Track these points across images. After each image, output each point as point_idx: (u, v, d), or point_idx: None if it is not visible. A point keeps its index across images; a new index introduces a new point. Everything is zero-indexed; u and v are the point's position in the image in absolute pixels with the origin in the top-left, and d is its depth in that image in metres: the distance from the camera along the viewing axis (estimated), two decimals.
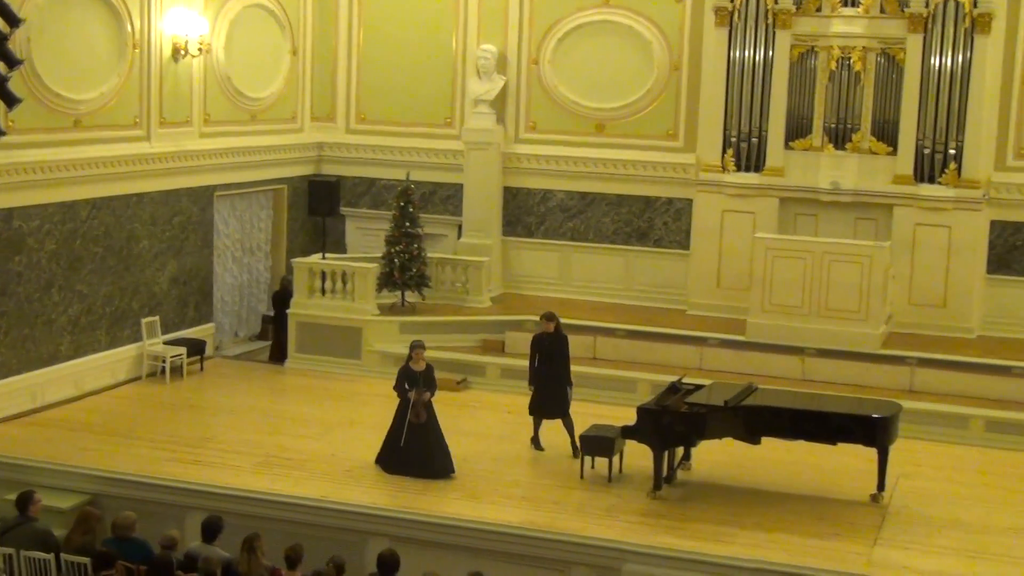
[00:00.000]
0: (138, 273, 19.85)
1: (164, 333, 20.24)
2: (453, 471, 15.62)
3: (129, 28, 19.27)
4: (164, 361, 19.81)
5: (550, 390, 16.63)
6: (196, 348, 20.51)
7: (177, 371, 19.95)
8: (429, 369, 15.86)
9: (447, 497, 14.96)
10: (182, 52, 20.26)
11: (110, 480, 15.21)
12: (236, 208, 22.33)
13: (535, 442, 16.80)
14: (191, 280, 21.03)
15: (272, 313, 22.13)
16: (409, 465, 15.54)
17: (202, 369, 20.51)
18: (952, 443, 17.82)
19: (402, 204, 21.39)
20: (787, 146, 21.47)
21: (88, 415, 17.87)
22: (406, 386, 15.66)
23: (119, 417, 17.82)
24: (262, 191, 22.96)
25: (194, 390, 19.48)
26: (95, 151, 18.71)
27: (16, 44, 16.09)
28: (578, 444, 16.02)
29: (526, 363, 19.44)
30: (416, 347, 15.95)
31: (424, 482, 15.34)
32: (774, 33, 21.25)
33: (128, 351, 19.76)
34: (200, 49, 20.49)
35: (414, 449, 15.52)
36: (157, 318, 20.16)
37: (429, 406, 15.69)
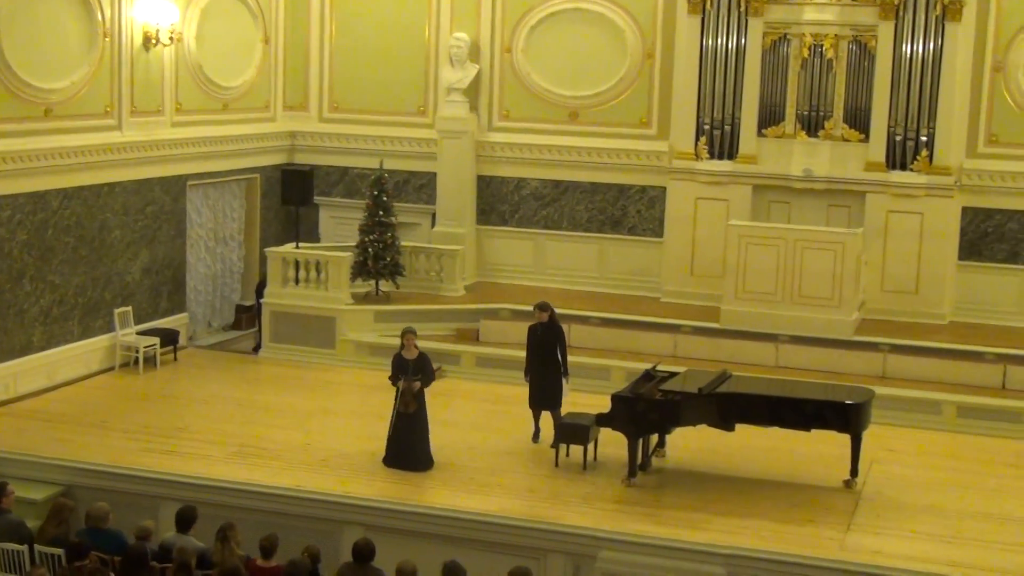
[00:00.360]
0: (110, 263, 19.76)
1: (137, 323, 20.14)
2: (430, 466, 15.55)
3: (100, 17, 19.15)
4: (137, 351, 19.72)
5: (545, 381, 16.48)
6: (169, 338, 20.43)
7: (150, 361, 19.87)
8: (421, 357, 15.60)
9: (422, 486, 14.94)
10: (153, 41, 20.14)
11: (83, 471, 15.14)
12: (209, 197, 22.23)
13: (534, 436, 16.65)
14: (164, 270, 20.95)
15: (253, 303, 22.07)
16: (399, 458, 15.46)
17: (175, 359, 20.43)
18: (925, 429, 17.91)
19: (376, 193, 21.35)
20: (760, 133, 21.50)
21: (61, 406, 17.79)
22: (400, 377, 15.48)
23: (92, 408, 17.74)
24: (235, 180, 22.86)
25: (167, 380, 19.41)
26: (66, 140, 18.59)
27: None
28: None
29: (501, 352, 19.50)
30: (407, 333, 15.73)
31: (399, 471, 15.31)
32: (746, 21, 21.28)
33: (101, 342, 19.67)
34: (171, 38, 20.37)
35: (403, 440, 15.44)
36: (130, 308, 20.07)
37: (421, 396, 15.54)
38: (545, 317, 16.61)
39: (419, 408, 15.51)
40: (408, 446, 15.43)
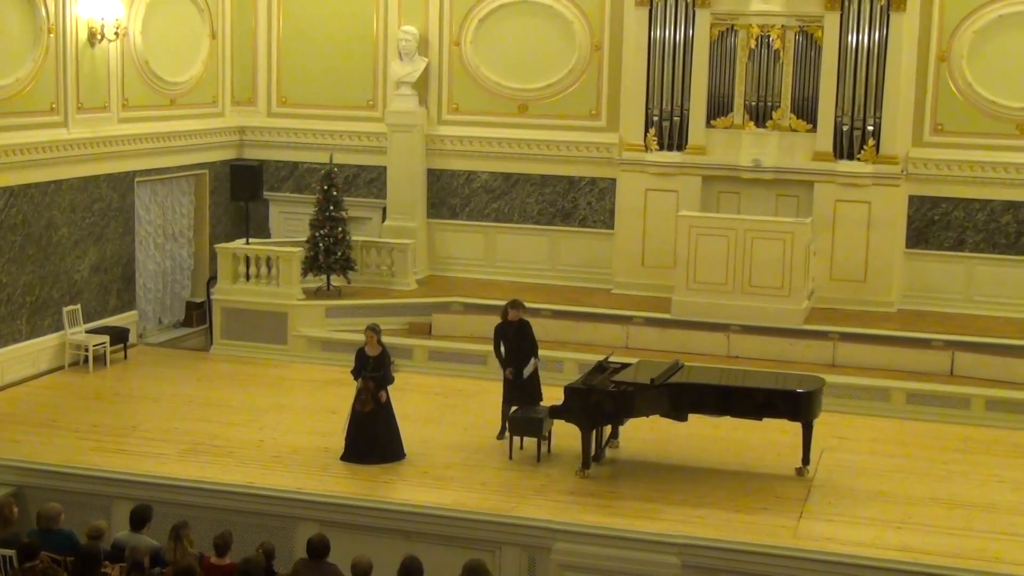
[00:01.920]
0: (58, 261, 19.58)
1: (86, 322, 19.98)
2: (399, 458, 15.50)
3: (44, 12, 18.95)
4: (87, 350, 19.56)
5: (524, 380, 16.26)
6: (119, 336, 20.27)
7: (100, 360, 19.72)
8: (383, 355, 15.51)
9: (377, 480, 14.92)
10: (98, 36, 19.96)
11: (34, 471, 15.01)
12: (157, 194, 22.07)
13: (501, 432, 16.36)
14: (112, 268, 20.78)
15: (203, 299, 21.93)
16: (359, 454, 15.42)
17: (126, 357, 20.29)
18: (874, 416, 18.05)
19: (326, 188, 21.28)
20: (709, 124, 21.57)
21: (10, 406, 17.61)
22: (363, 373, 15.40)
23: (42, 407, 17.58)
24: (183, 176, 22.70)
25: (118, 378, 19.27)
26: (11, 138, 18.39)
27: None
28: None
29: (454, 345, 19.50)
30: (368, 330, 15.61)
31: (353, 466, 15.28)
32: (694, 12, 21.34)
33: (50, 340, 19.49)
34: (116, 33, 20.20)
35: (364, 436, 15.38)
36: (78, 306, 19.90)
37: (384, 392, 15.42)
38: (517, 316, 16.35)
39: (384, 405, 15.42)
40: (369, 442, 15.38)
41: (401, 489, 14.67)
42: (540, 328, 19.96)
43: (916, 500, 14.68)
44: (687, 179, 21.63)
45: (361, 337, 15.79)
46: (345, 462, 15.45)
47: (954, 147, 21.10)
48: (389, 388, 15.56)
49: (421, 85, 22.98)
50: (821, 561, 12.99)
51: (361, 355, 15.54)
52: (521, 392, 16.24)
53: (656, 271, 21.52)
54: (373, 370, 15.38)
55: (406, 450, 15.66)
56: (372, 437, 15.39)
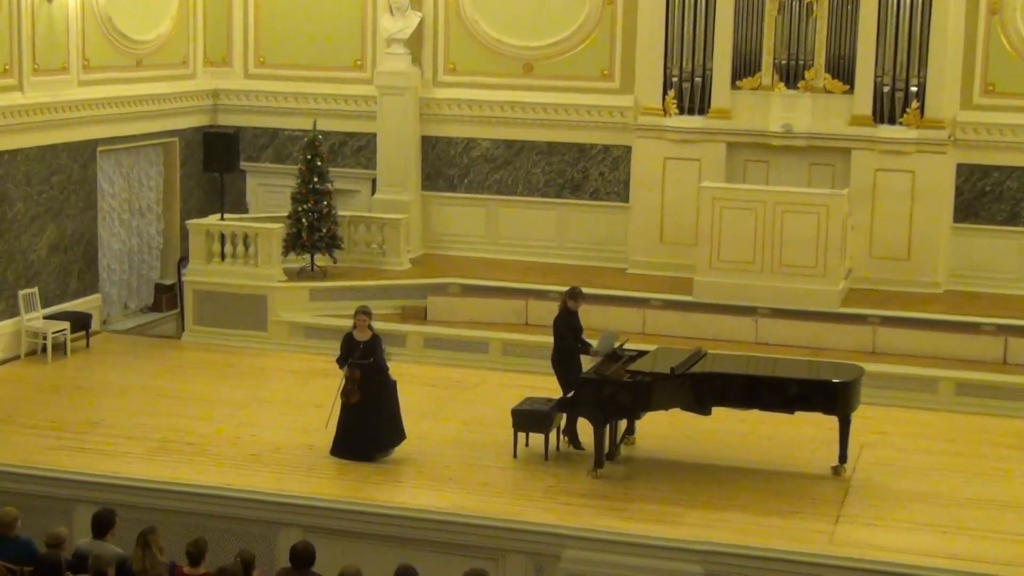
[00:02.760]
0: (13, 240, 19.57)
1: (44, 307, 20.00)
2: (398, 442, 15.55)
3: None
4: (45, 338, 19.57)
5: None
6: (81, 322, 20.28)
7: (60, 348, 19.73)
8: (374, 340, 15.46)
9: (367, 481, 14.92)
10: None
11: None
12: (122, 165, 22.05)
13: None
14: (73, 247, 20.78)
15: (174, 282, 21.95)
16: (349, 449, 15.41)
17: (88, 345, 20.29)
18: (919, 408, 18.03)
19: (309, 157, 21.26)
20: (734, 86, 21.53)
21: None
22: (349, 360, 15.35)
23: None
24: (151, 145, 22.69)
25: (79, 369, 19.29)
26: None
27: None
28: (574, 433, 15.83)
29: (452, 331, 19.51)
30: (359, 313, 15.57)
31: (340, 465, 15.28)
32: None
33: (4, 327, 19.52)
34: None
35: (355, 429, 15.36)
36: (36, 290, 19.91)
37: (377, 384, 15.33)
38: (577, 305, 16.05)
39: (374, 397, 15.37)
40: (361, 436, 15.34)
41: (394, 491, 14.66)
42: (547, 312, 19.93)
43: (966, 502, 14.66)
44: (710, 146, 21.60)
45: (349, 323, 15.78)
46: (334, 456, 15.44)
47: (1007, 110, 21.04)
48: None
49: (414, 43, 22.94)
50: (860, 570, 12.94)
51: (349, 341, 15.50)
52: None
53: (676, 249, 21.51)
54: (362, 357, 15.35)
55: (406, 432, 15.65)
56: (365, 430, 15.34)
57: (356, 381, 15.34)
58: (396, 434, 15.64)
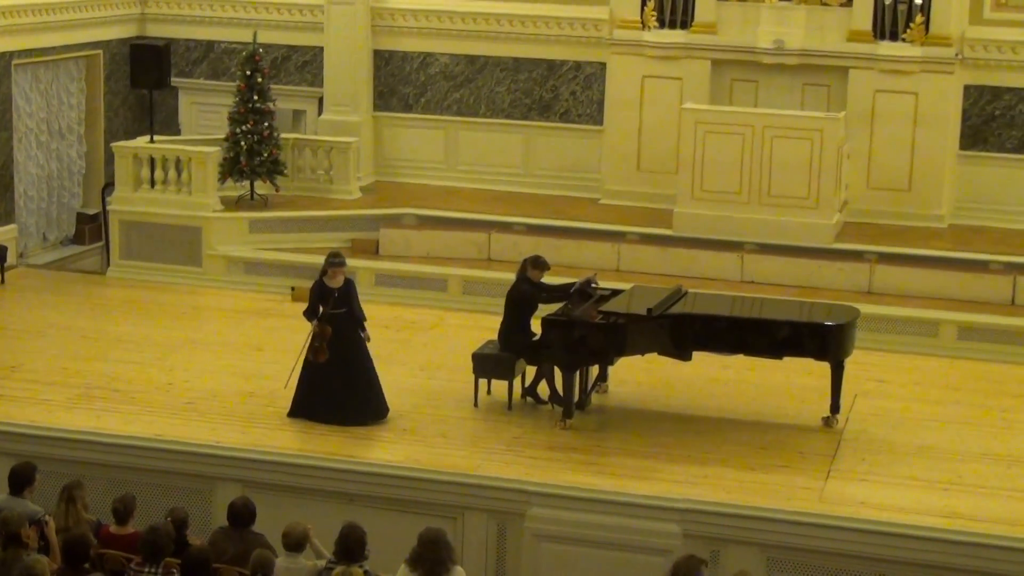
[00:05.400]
0: None
1: None
2: (379, 417, 15.34)
3: None
4: None
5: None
6: None
7: None
8: (347, 286, 15.13)
9: (312, 432, 14.95)
10: None
11: None
12: (39, 80, 21.94)
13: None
14: None
15: (98, 211, 21.88)
16: (313, 411, 15.20)
17: (3, 282, 20.23)
18: (919, 354, 18.16)
19: (248, 73, 21.15)
20: None
21: None
22: (320, 310, 15.00)
23: None
24: (72, 58, 22.56)
25: None
26: None
27: None
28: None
29: (406, 267, 19.53)
30: (334, 264, 15.05)
31: (283, 416, 15.29)
32: None
33: None
34: None
35: (319, 395, 15.13)
36: None
37: (350, 339, 15.08)
38: (540, 276, 15.86)
39: (356, 349, 15.16)
40: (329, 399, 15.08)
41: (343, 443, 14.70)
42: (512, 245, 20.16)
43: (967, 456, 14.81)
44: (693, 64, 21.62)
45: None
46: (293, 419, 15.25)
47: (1020, 25, 21.11)
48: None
49: None
50: (852, 530, 13.10)
51: (320, 288, 15.08)
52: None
53: (654, 177, 21.56)
54: (336, 307, 15.08)
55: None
56: (334, 393, 15.10)
57: (327, 338, 15.00)
58: (377, 406, 15.32)
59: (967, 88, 21.37)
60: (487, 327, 16.83)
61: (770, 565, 13.22)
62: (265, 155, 21.12)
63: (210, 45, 23.85)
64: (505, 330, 15.68)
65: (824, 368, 15.42)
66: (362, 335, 15.26)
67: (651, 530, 13.35)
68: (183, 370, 16.84)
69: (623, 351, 15.39)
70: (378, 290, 19.83)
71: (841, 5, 21.21)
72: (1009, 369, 17.73)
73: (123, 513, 11.78)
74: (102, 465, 14.36)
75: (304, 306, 15.40)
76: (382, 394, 15.37)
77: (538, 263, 15.77)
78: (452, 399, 16.01)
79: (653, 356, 15.60)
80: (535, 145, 22.87)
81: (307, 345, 15.13)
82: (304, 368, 15.20)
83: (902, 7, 20.95)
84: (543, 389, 15.69)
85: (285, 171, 21.55)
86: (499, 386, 15.82)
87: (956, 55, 21.08)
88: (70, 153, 22.78)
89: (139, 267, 20.76)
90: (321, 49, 23.11)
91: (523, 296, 15.66)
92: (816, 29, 21.26)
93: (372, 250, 20.76)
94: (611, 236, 20.55)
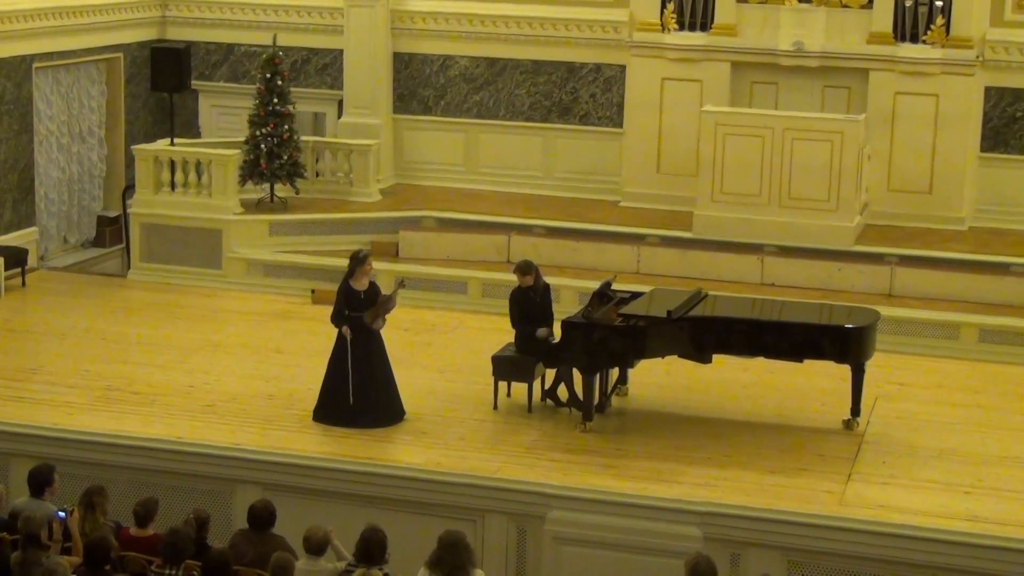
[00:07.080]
0: None
1: None
2: (398, 419, 15.37)
3: None
4: None
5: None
6: (16, 259, 20.25)
7: None
8: (372, 288, 15.16)
9: (332, 435, 14.96)
10: None
11: None
12: (60, 83, 21.99)
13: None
14: (7, 175, 20.75)
15: (118, 213, 21.91)
16: (336, 414, 15.15)
17: (24, 284, 20.28)
18: (940, 357, 18.12)
19: (268, 76, 21.19)
20: None
21: None
22: (346, 314, 14.97)
23: None
24: (93, 61, 22.61)
25: (14, 310, 19.27)
26: None
27: None
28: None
29: (425, 269, 19.51)
30: (360, 260, 15.07)
31: (305, 420, 15.30)
32: None
33: None
34: None
35: (338, 394, 15.12)
36: None
37: (368, 343, 15.06)
38: (530, 281, 15.82)
39: (372, 354, 15.11)
40: (374, 402, 15.10)
41: (363, 445, 14.71)
42: (531, 249, 20.10)
43: (989, 459, 14.77)
44: (713, 66, 21.60)
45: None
46: (318, 423, 15.21)
47: None
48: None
49: None
50: (873, 533, 13.07)
51: (347, 292, 15.07)
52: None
53: (674, 180, 21.54)
54: (361, 310, 15.01)
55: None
56: (352, 394, 15.06)
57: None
58: (394, 410, 15.34)
59: (988, 90, 21.32)
60: (507, 329, 16.81)
61: (791, 568, 13.20)
62: (285, 158, 21.16)
63: (230, 48, 23.89)
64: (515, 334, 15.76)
65: (845, 371, 15.38)
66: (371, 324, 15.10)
67: (671, 533, 13.32)
68: (203, 373, 16.86)
69: (643, 354, 15.38)
70: (398, 293, 19.82)
71: (861, 7, 21.17)
72: None
73: (144, 516, 11.79)
74: (122, 467, 14.39)
75: (328, 310, 15.38)
76: (398, 397, 15.37)
77: (521, 267, 15.84)
78: (472, 402, 16.02)
79: (673, 359, 15.59)
80: (555, 147, 22.86)
81: (336, 349, 15.10)
82: (336, 370, 15.13)
83: (923, 9, 20.92)
84: (562, 392, 15.68)
85: (305, 174, 21.59)
86: (518, 389, 15.82)
87: (977, 57, 21.03)
88: (91, 156, 22.83)
89: (159, 270, 20.80)
90: (341, 52, 23.14)
91: (511, 299, 15.81)
92: (836, 31, 21.24)
93: (392, 253, 20.77)
94: (631, 239, 20.54)
